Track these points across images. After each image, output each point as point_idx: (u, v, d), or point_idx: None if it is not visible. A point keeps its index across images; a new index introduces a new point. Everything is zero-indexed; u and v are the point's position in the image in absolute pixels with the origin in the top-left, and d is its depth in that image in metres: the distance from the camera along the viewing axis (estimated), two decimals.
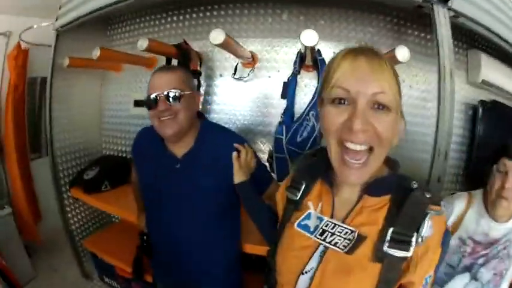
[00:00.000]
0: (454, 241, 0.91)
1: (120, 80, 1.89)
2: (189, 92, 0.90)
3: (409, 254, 0.49)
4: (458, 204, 0.95)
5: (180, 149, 0.93)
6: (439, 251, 0.53)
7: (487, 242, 0.88)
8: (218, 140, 0.95)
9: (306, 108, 1.23)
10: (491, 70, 1.58)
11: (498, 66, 1.62)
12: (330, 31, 1.42)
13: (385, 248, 0.50)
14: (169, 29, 1.69)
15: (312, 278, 0.55)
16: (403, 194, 0.52)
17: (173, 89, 0.86)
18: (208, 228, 0.95)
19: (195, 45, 1.51)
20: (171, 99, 0.86)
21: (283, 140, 1.22)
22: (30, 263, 2.05)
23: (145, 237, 1.28)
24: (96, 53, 1.41)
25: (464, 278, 0.88)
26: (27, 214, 2.22)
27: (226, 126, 1.20)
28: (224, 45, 1.19)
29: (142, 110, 1.73)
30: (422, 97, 1.46)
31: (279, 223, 0.67)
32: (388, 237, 0.50)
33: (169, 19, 1.69)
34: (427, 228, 0.49)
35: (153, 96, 0.86)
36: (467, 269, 0.89)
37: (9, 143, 2.16)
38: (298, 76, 1.30)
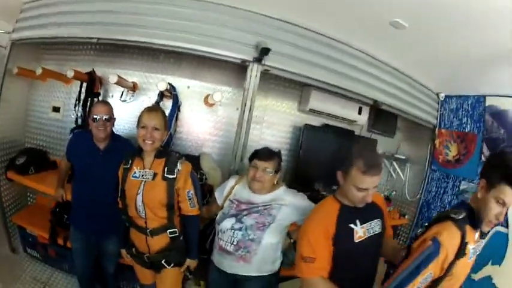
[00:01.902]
0: (227, 202, 1.60)
1: (44, 89, 2.57)
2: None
3: (174, 176, 1.47)
4: (231, 181, 1.67)
5: (101, 145, 1.78)
6: (190, 179, 1.51)
7: (248, 203, 1.54)
8: (120, 142, 1.85)
9: None
10: (319, 101, 2.41)
11: (327, 97, 2.42)
12: (190, 71, 2.28)
13: (166, 174, 1.47)
14: (85, 54, 2.44)
15: (142, 195, 1.46)
16: (169, 156, 1.51)
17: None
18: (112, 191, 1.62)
19: (99, 71, 2.29)
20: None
21: None
22: None
23: (57, 209, 2.05)
24: (39, 71, 2.18)
25: (231, 220, 1.52)
26: None
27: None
28: (117, 83, 2.06)
29: (56, 115, 2.53)
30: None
31: (121, 181, 1.53)
32: (166, 170, 1.47)
33: (86, 50, 2.45)
34: (179, 165, 1.48)
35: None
36: (234, 216, 1.53)
37: None
38: (161, 103, 2.15)
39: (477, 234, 1.13)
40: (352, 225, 1.23)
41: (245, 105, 1.91)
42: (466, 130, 2.67)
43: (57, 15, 2.14)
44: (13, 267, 2.38)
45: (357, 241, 1.23)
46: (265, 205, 1.52)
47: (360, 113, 2.57)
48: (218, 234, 1.58)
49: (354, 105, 2.53)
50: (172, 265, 1.55)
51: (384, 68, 2.45)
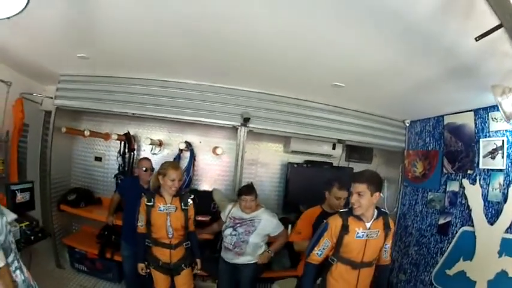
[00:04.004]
0: (227, 219, 2.60)
1: (86, 142, 3.58)
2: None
3: (187, 208, 2.44)
4: (229, 206, 2.67)
5: (145, 186, 2.72)
6: (194, 209, 2.47)
7: (240, 219, 2.55)
8: None
9: (185, 170, 3.10)
10: (298, 144, 3.38)
11: (304, 140, 3.34)
12: (201, 131, 3.39)
13: (183, 207, 2.39)
14: (119, 118, 3.39)
15: (170, 221, 2.35)
16: (182, 195, 2.47)
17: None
18: None
19: (132, 131, 3.35)
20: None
21: None
22: None
23: (105, 232, 3.06)
24: (88, 133, 3.16)
25: (230, 229, 2.53)
26: None
27: None
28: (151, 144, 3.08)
29: (99, 163, 3.58)
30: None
31: (145, 213, 2.34)
32: (182, 204, 2.39)
33: (119, 115, 3.27)
34: (189, 201, 2.44)
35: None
36: (231, 227, 2.54)
37: (13, 169, 3.21)
38: (181, 154, 3.19)
39: (368, 224, 1.88)
40: (324, 221, 2.13)
41: (238, 155, 2.96)
42: (429, 148, 3.21)
43: (94, 91, 3.00)
44: (61, 279, 3.19)
45: None
46: (250, 220, 2.57)
47: (334, 148, 3.52)
48: (223, 239, 2.60)
49: (327, 143, 3.44)
50: (188, 266, 2.46)
51: (347, 113, 3.33)
